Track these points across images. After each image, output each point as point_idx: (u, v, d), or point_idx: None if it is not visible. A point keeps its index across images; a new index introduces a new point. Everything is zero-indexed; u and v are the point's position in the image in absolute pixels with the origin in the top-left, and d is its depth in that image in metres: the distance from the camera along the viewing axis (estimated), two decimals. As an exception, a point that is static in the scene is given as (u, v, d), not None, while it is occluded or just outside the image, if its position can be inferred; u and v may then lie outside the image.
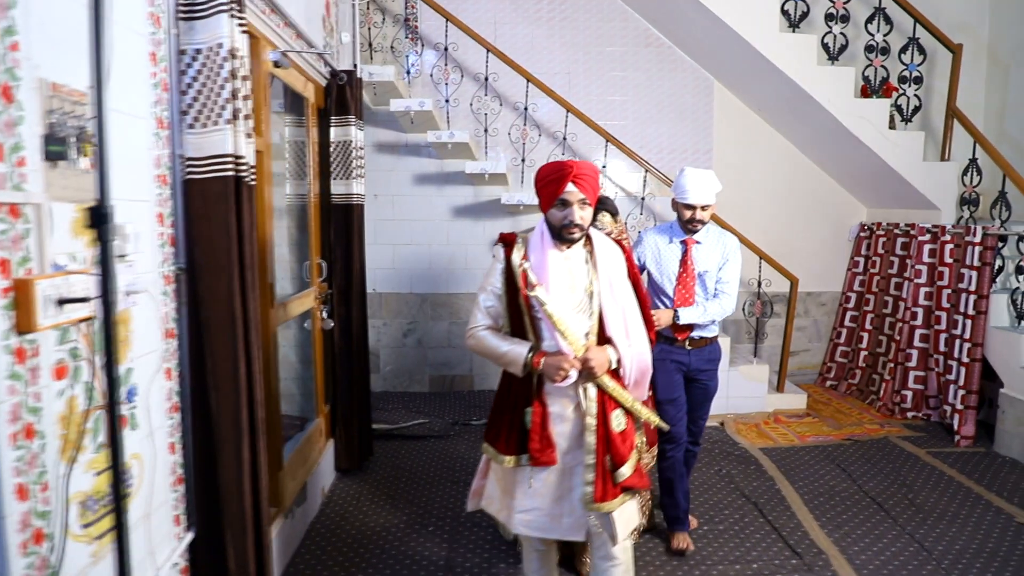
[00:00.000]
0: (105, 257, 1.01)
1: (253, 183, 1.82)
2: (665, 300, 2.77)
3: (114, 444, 1.03)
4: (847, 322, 5.27)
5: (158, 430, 1.64)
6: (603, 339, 1.94)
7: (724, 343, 4.45)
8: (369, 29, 4.58)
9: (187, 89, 1.68)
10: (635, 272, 2.05)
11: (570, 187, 1.83)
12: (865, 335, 5.08)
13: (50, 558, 1.23)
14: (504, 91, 4.84)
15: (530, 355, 1.89)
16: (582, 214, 1.87)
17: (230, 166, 1.69)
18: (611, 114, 5.12)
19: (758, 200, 5.23)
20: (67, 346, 1.29)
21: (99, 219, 0.99)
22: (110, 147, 1.42)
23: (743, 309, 4.91)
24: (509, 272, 1.91)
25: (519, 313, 1.92)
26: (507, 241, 1.97)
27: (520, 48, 5.00)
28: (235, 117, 1.69)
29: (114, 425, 1.03)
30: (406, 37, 4.71)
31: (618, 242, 2.05)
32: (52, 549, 1.24)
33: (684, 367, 2.77)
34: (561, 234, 1.89)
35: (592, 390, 1.93)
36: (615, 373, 1.97)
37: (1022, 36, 4.90)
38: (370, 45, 4.57)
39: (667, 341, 2.74)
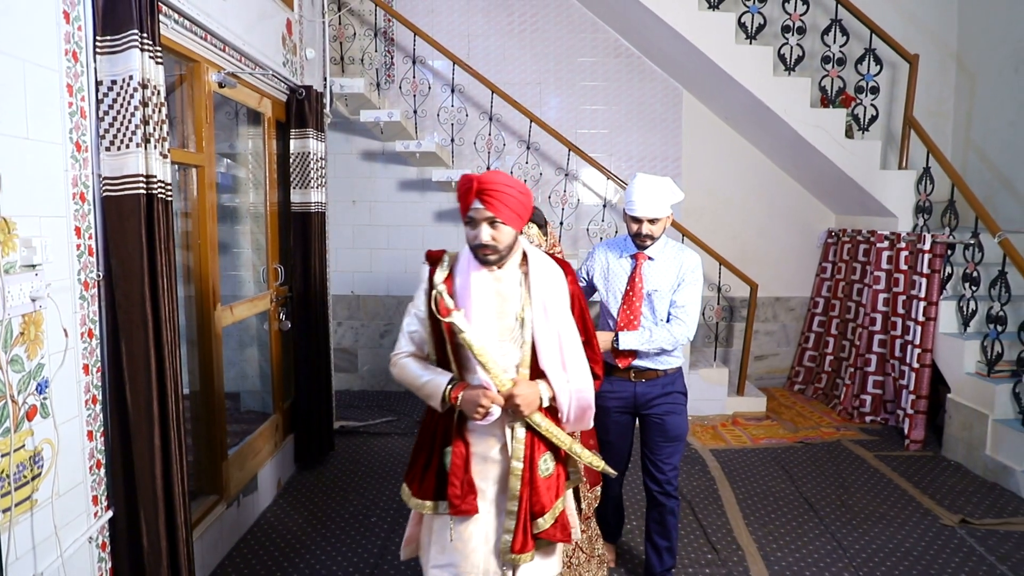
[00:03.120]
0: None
1: (168, 199, 2.02)
2: (612, 322, 2.48)
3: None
4: (815, 327, 5.34)
5: (73, 419, 1.84)
6: (537, 372, 1.72)
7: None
8: (341, 43, 4.79)
9: (104, 116, 1.88)
10: (580, 297, 1.82)
11: (475, 204, 1.63)
12: (831, 340, 5.16)
13: (-49, 525, 1.43)
14: (477, 100, 5.01)
15: (449, 387, 1.68)
16: (493, 233, 1.63)
17: (142, 185, 1.89)
18: (582, 123, 5.27)
19: (728, 206, 5.34)
20: (-28, 344, 1.50)
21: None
22: (20, 171, 1.63)
23: (702, 313, 5.01)
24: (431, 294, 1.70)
25: (442, 340, 1.71)
26: (431, 259, 1.78)
27: (493, 60, 5.18)
28: (146, 141, 1.89)
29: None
30: (375, 50, 4.91)
31: (565, 265, 1.83)
32: (-47, 518, 1.44)
33: (628, 402, 2.46)
34: (476, 255, 1.68)
35: (520, 430, 1.71)
36: (550, 411, 1.76)
37: (988, 45, 4.95)
38: (342, 59, 4.78)
39: (609, 371, 2.42)
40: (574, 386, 1.73)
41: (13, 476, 1.61)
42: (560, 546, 1.86)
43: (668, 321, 2.43)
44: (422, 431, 1.83)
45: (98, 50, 1.87)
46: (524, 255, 1.76)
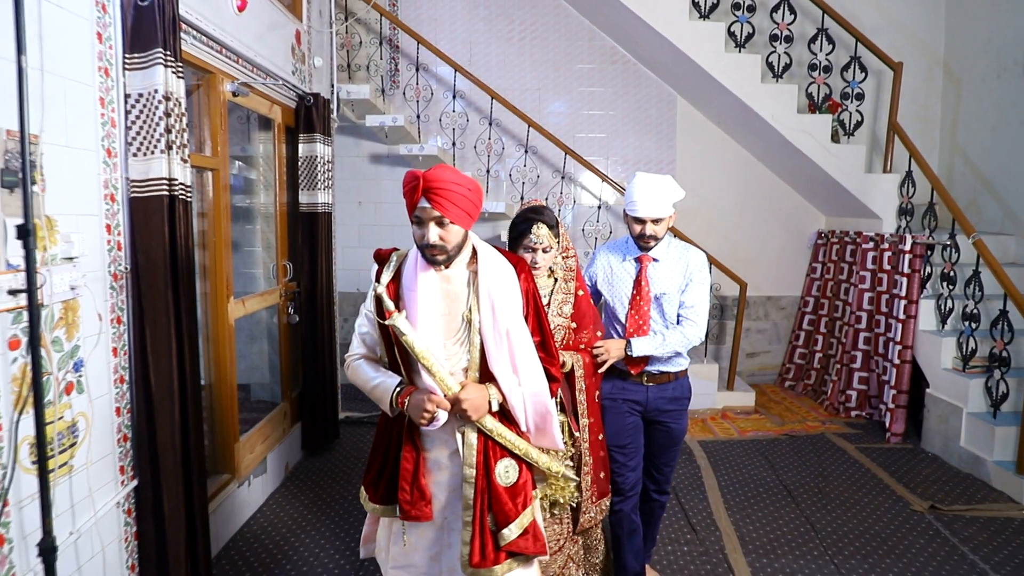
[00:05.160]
0: (28, 260, 1.42)
1: (189, 199, 2.24)
2: (619, 327, 2.41)
3: (38, 404, 1.44)
4: (805, 325, 5.51)
5: (104, 396, 2.06)
6: (488, 375, 1.66)
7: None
8: (348, 51, 5.02)
9: (131, 125, 2.10)
10: (535, 296, 1.76)
11: (422, 202, 1.56)
12: (820, 338, 5.33)
13: (3, 482, 1.65)
14: (479, 105, 5.22)
15: (397, 391, 1.64)
16: (441, 233, 1.57)
17: (165, 187, 2.11)
18: (580, 127, 5.47)
19: (720, 208, 5.52)
20: (20, 325, 1.71)
21: (23, 233, 1.40)
22: (60, 175, 1.85)
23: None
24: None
25: (391, 342, 1.67)
26: (379, 258, 1.73)
27: (494, 66, 5.39)
28: (169, 147, 2.11)
29: (38, 388, 1.43)
30: (381, 58, 5.13)
31: (519, 262, 1.76)
32: (4, 475, 1.66)
33: (640, 407, 2.39)
34: (424, 255, 1.62)
35: (472, 435, 1.65)
36: (504, 415, 1.69)
37: (973, 53, 5.11)
38: (348, 66, 5.01)
39: (619, 375, 2.38)
40: (527, 389, 1.67)
41: (56, 443, 1.83)
42: (536, 559, 1.76)
43: (678, 323, 2.37)
44: (378, 434, 1.79)
45: (127, 66, 2.09)
46: (474, 252, 1.68)
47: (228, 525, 2.98)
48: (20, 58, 1.40)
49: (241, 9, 2.97)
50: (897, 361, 4.32)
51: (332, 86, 4.43)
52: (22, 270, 1.67)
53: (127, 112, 2.10)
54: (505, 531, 1.64)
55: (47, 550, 1.57)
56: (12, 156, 1.67)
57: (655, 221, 2.27)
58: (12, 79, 1.60)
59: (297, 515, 3.26)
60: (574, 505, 2.14)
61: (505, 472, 1.68)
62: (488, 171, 5.04)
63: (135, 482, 2.21)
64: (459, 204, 1.56)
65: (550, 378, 1.73)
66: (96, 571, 2.03)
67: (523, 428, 1.71)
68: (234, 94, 2.98)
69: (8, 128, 1.65)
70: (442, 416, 1.61)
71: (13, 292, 1.63)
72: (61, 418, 1.87)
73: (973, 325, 3.83)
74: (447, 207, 1.55)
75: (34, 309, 1.48)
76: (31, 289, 1.47)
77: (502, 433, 1.67)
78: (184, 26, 2.45)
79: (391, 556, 1.75)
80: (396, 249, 1.75)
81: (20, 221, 1.63)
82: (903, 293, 4.31)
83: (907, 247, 4.30)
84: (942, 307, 4.14)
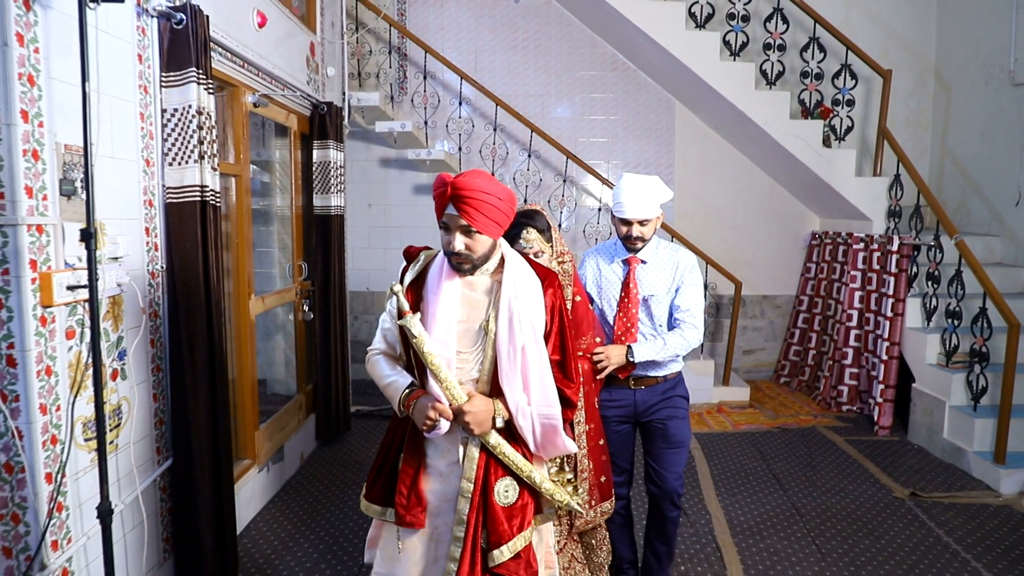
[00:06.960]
0: (90, 260, 1.63)
1: (218, 204, 2.45)
2: (607, 330, 2.37)
3: (97, 385, 1.65)
4: (799, 323, 5.69)
5: (143, 383, 2.28)
6: (498, 389, 1.61)
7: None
8: (359, 60, 5.24)
9: (167, 137, 2.32)
10: (563, 312, 1.69)
11: (450, 209, 1.52)
12: (814, 335, 5.51)
13: (61, 456, 1.87)
14: (484, 111, 5.43)
15: (405, 392, 1.62)
16: (467, 242, 1.53)
17: (197, 193, 2.33)
18: (581, 132, 5.66)
19: (718, 210, 5.71)
20: (75, 317, 1.93)
21: (86, 236, 1.61)
22: (106, 183, 2.07)
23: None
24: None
25: (407, 343, 1.63)
26: (407, 255, 1.72)
27: (499, 73, 5.60)
28: (201, 157, 2.33)
29: (97, 372, 1.65)
30: (390, 66, 5.35)
31: (548, 276, 1.70)
32: (63, 450, 1.87)
33: (629, 412, 2.36)
34: (449, 261, 1.59)
35: (474, 449, 1.61)
36: (511, 434, 1.64)
37: (963, 60, 5.28)
38: (359, 74, 5.22)
39: (607, 381, 2.32)
40: (537, 410, 1.61)
41: (105, 423, 2.04)
42: None
43: (672, 325, 2.35)
44: (387, 432, 1.77)
45: (163, 84, 2.31)
46: (502, 261, 1.64)
47: (250, 507, 3.19)
48: (84, 84, 1.61)
49: (261, 25, 3.19)
50: (885, 357, 4.50)
51: (344, 94, 4.65)
52: (78, 268, 1.89)
53: (163, 125, 2.32)
54: (496, 552, 1.59)
55: (105, 512, 1.78)
56: (69, 167, 1.89)
57: (642, 222, 2.26)
58: (71, 100, 1.82)
59: (313, 499, 3.47)
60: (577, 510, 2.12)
61: (504, 492, 1.62)
62: (492, 174, 5.23)
63: (169, 462, 2.43)
64: (488, 214, 1.51)
65: (565, 402, 1.66)
66: (137, 541, 2.25)
67: (531, 448, 1.66)
68: (255, 105, 3.19)
69: (66, 143, 1.87)
70: (444, 425, 1.57)
71: (71, 288, 1.85)
72: (108, 401, 2.08)
73: (955, 322, 4.01)
74: (475, 216, 1.50)
75: (95, 303, 1.69)
76: (92, 284, 1.68)
77: (506, 452, 1.61)
78: (212, 44, 2.66)
79: (377, 559, 1.71)
80: (427, 248, 1.73)
81: (77, 225, 1.85)
82: (891, 292, 4.49)
83: (895, 248, 4.48)
84: (927, 305, 4.31)
